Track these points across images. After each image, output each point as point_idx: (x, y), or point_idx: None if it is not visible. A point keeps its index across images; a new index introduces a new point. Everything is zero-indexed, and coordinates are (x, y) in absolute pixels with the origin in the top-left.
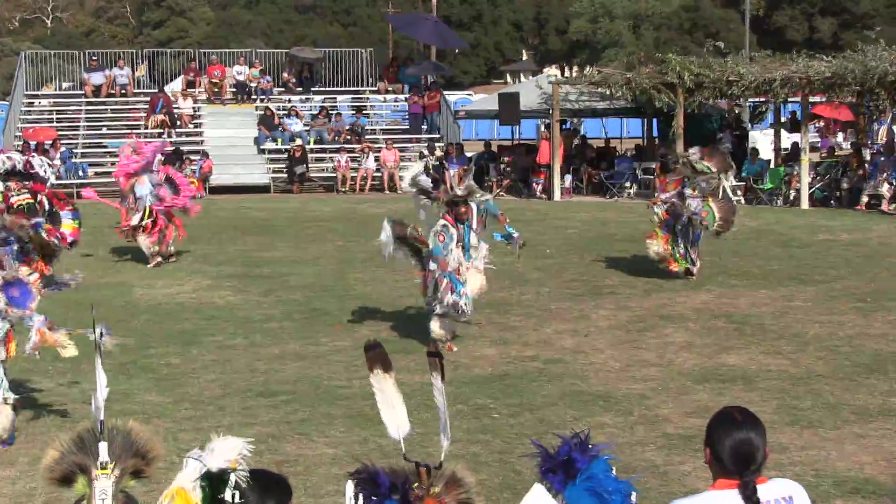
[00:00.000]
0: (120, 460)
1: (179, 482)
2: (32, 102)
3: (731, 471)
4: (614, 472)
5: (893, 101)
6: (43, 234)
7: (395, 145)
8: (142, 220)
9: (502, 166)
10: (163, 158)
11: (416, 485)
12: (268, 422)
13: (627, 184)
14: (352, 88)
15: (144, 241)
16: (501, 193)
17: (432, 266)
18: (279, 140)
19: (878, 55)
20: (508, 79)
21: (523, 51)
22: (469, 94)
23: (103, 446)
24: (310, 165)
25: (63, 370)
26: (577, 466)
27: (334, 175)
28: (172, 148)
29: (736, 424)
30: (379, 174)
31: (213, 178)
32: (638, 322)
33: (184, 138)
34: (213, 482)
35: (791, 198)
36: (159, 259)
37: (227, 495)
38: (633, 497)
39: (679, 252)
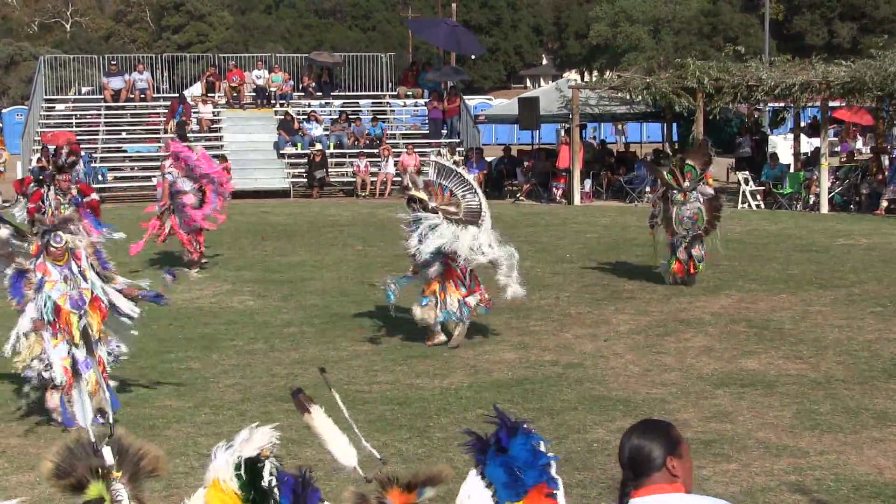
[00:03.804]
0: (124, 464)
1: (214, 473)
2: (52, 107)
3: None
4: (542, 446)
5: None
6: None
7: (414, 150)
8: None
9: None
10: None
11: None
12: (287, 427)
13: (647, 188)
14: (371, 93)
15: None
16: (522, 199)
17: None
18: (299, 145)
19: None
20: (528, 83)
21: (543, 55)
22: (489, 99)
23: (107, 450)
24: (329, 170)
25: None
26: (502, 445)
27: (354, 180)
28: None
29: (630, 431)
30: (399, 179)
31: (232, 183)
32: (658, 327)
33: (203, 143)
34: (250, 470)
35: (810, 202)
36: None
37: (264, 482)
38: (553, 469)
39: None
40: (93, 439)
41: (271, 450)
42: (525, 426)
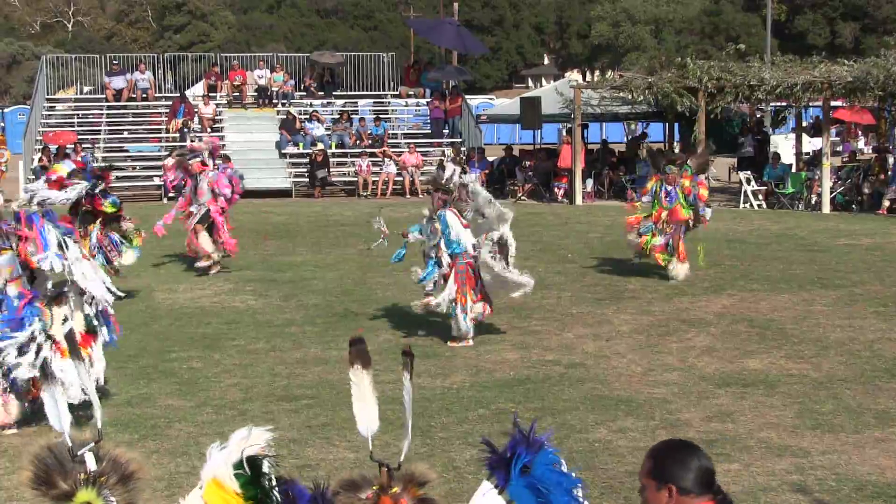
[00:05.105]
0: (108, 469)
1: (212, 472)
2: (53, 106)
3: (699, 494)
4: (563, 465)
5: None
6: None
7: (416, 149)
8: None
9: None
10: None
11: (374, 487)
12: (289, 426)
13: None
14: (373, 92)
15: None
16: (523, 198)
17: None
18: (300, 144)
19: None
20: (530, 83)
21: (545, 55)
22: (491, 99)
23: (90, 456)
24: (331, 170)
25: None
26: (522, 461)
27: (356, 179)
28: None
29: (689, 450)
30: (400, 178)
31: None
32: (659, 326)
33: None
34: (250, 469)
35: (812, 202)
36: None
37: (265, 481)
38: (579, 492)
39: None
40: (69, 444)
41: (268, 449)
42: (544, 441)
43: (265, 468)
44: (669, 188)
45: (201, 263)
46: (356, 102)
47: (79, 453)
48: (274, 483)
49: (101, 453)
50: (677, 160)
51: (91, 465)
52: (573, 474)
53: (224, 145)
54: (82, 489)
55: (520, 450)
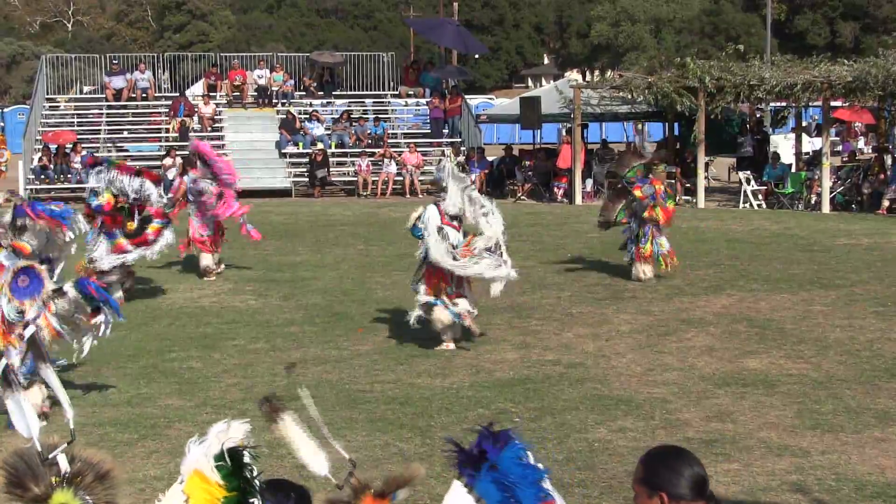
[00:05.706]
0: (83, 470)
1: (193, 465)
2: (54, 106)
3: (691, 500)
4: (530, 457)
5: None
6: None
7: (417, 149)
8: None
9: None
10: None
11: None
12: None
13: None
14: (373, 92)
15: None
16: (523, 198)
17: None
18: (300, 144)
19: None
20: (530, 83)
21: (545, 55)
22: (490, 98)
23: (62, 458)
24: (331, 169)
25: (84, 373)
26: (489, 458)
27: (355, 179)
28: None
29: (681, 457)
30: (400, 178)
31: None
32: (659, 326)
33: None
34: (231, 461)
35: (812, 202)
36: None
37: (247, 471)
38: (547, 483)
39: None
40: (39, 449)
41: (247, 441)
42: (510, 435)
43: (246, 459)
44: (661, 187)
45: (210, 276)
46: (363, 102)
47: (51, 455)
48: (256, 474)
49: (74, 454)
50: (660, 160)
51: (64, 466)
52: (540, 465)
53: (224, 145)
54: (58, 491)
55: (486, 446)
